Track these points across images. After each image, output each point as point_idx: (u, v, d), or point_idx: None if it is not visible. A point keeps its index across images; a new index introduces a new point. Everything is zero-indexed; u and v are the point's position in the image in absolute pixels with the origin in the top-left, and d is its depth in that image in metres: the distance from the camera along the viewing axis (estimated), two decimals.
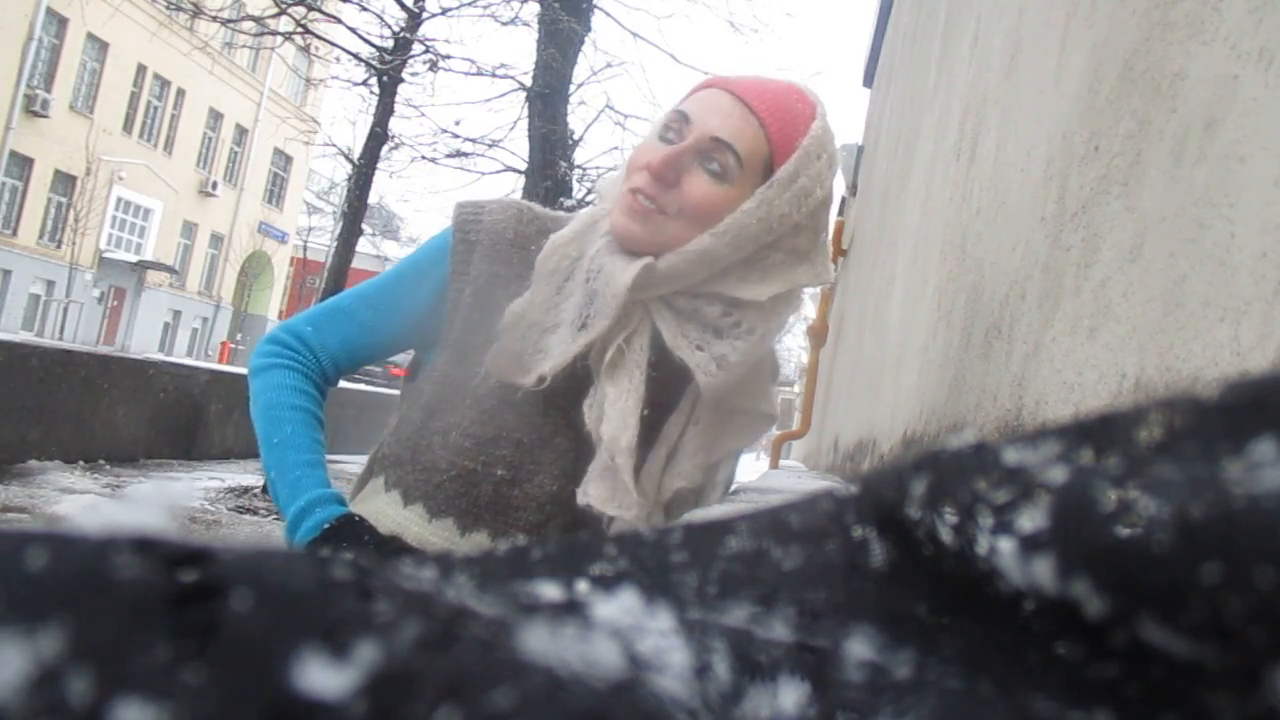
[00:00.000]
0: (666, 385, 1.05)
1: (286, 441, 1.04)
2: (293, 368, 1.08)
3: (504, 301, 1.06)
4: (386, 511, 1.07)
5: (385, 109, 8.56)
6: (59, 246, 21.04)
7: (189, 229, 25.30)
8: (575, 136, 7.84)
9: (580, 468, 1.06)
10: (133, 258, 23.14)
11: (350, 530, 0.99)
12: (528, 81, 7.76)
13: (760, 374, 1.11)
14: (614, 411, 1.01)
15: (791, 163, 1.00)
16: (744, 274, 1.03)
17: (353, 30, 8.68)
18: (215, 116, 25.13)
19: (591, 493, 1.02)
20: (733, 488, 1.28)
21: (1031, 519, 0.19)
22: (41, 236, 20.94)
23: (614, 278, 1.00)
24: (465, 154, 8.74)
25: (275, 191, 28.41)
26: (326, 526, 0.98)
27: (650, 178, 0.99)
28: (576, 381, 1.04)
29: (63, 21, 19.81)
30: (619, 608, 0.20)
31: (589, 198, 7.55)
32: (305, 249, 24.27)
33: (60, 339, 17.10)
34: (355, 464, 1.34)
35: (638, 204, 1.00)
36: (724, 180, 1.00)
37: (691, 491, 1.08)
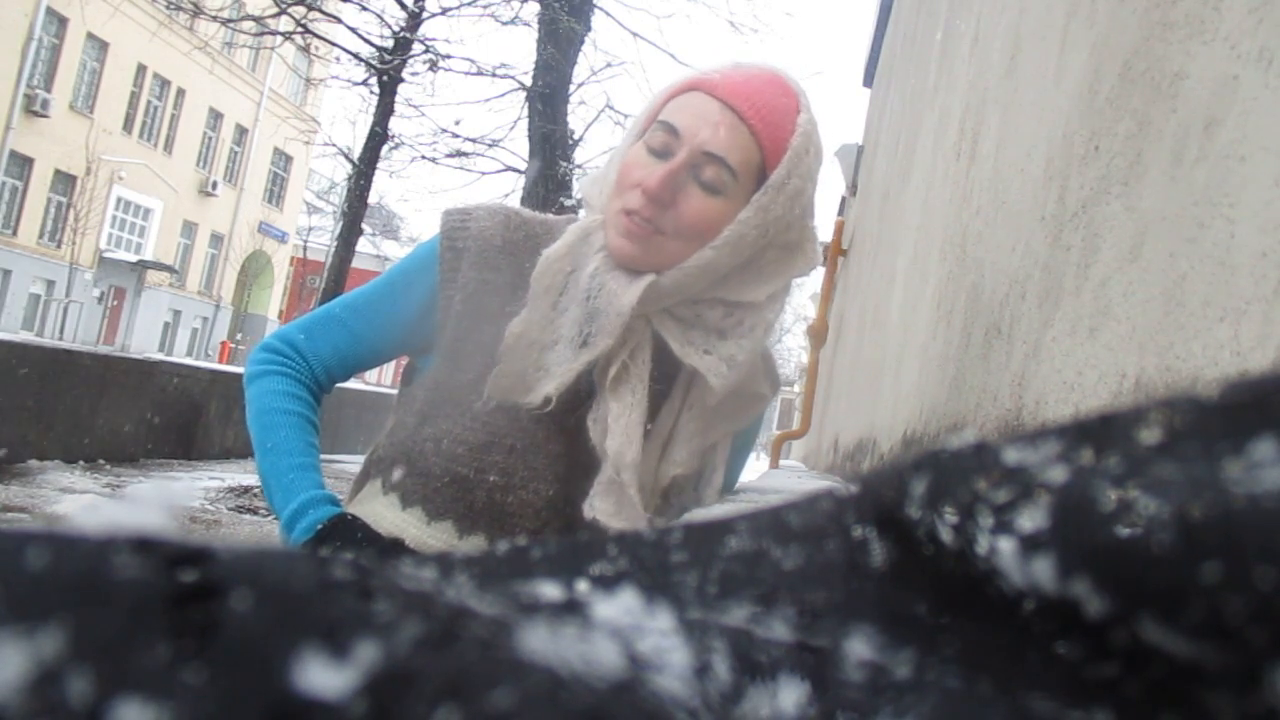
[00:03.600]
0: (658, 376, 1.06)
1: (280, 446, 1.04)
2: (286, 374, 1.09)
3: (494, 308, 1.06)
4: (385, 514, 1.07)
5: (385, 109, 8.57)
6: (59, 246, 21.05)
7: (189, 229, 25.30)
8: (575, 136, 7.84)
9: (575, 472, 1.06)
10: (133, 257, 23.14)
11: (344, 530, 0.99)
12: (528, 81, 7.76)
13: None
14: (618, 427, 1.02)
15: (784, 165, 1.00)
16: (742, 277, 1.04)
17: (353, 30, 8.69)
18: (215, 116, 25.14)
19: (598, 506, 1.02)
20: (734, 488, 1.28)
21: (1031, 519, 0.19)
22: (41, 236, 20.94)
23: (617, 297, 1.00)
24: (465, 154, 8.75)
25: (275, 191, 28.41)
26: (320, 527, 0.98)
27: (645, 200, 0.98)
28: (569, 388, 1.04)
29: (63, 21, 19.81)
30: (619, 608, 0.20)
31: None
32: (305, 249, 24.29)
33: (60, 339, 17.09)
34: (355, 464, 1.34)
35: (635, 226, 0.99)
36: (719, 193, 0.99)
37: (688, 477, 1.08)
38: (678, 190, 0.99)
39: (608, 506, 1.02)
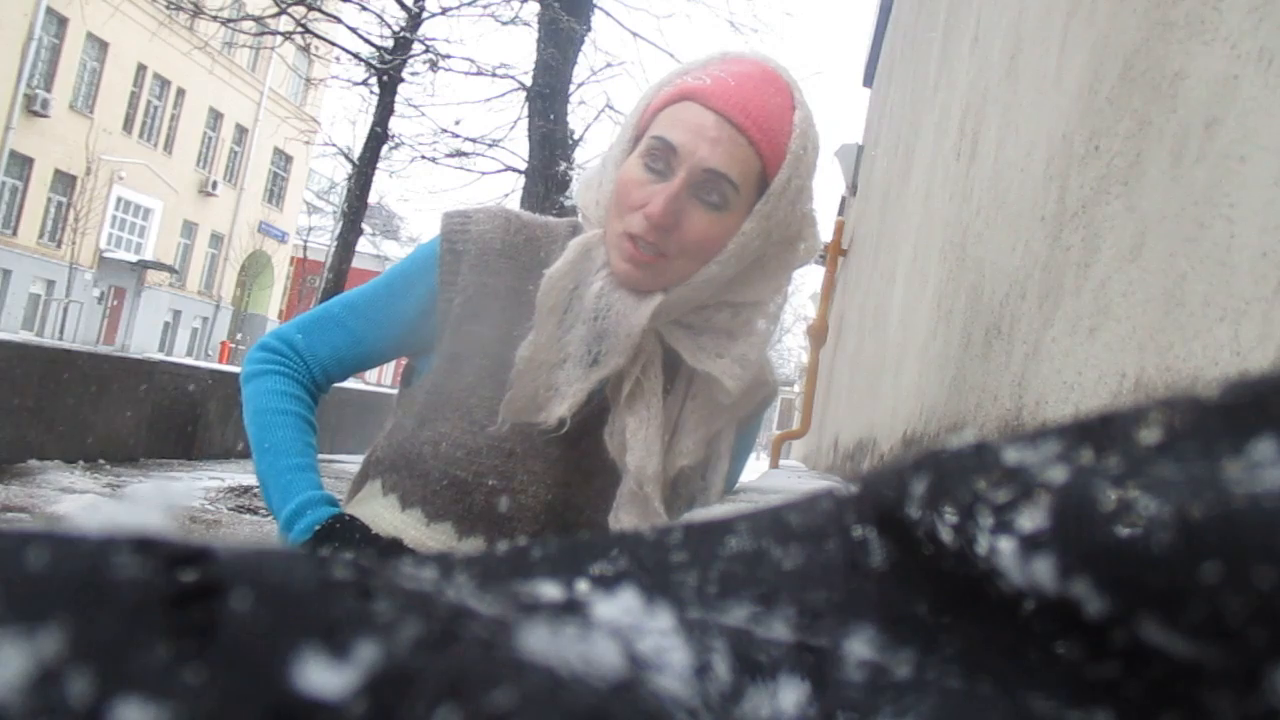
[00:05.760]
0: (664, 376, 1.06)
1: (277, 446, 1.04)
2: (283, 373, 1.08)
3: (494, 311, 1.06)
4: (385, 515, 1.07)
5: (385, 109, 8.57)
6: (59, 246, 21.05)
7: (189, 229, 25.30)
8: (575, 136, 7.84)
9: (574, 476, 1.06)
10: (133, 257, 23.14)
11: (342, 531, 0.99)
12: (528, 81, 7.77)
13: None
14: (637, 441, 1.02)
15: (784, 170, 0.99)
16: (746, 278, 1.04)
17: (353, 30, 8.70)
18: (215, 116, 25.14)
19: (623, 519, 1.02)
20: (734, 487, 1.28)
21: (1031, 519, 0.19)
22: (41, 236, 20.94)
23: (626, 318, 1.00)
24: (465, 154, 8.76)
25: (275, 191, 28.40)
26: (318, 528, 0.98)
27: (649, 225, 0.97)
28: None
29: (63, 21, 19.81)
30: (619, 607, 0.20)
31: None
32: (305, 249, 24.31)
33: (60, 339, 17.09)
34: (354, 464, 1.34)
35: (640, 253, 0.99)
36: (721, 209, 0.98)
37: (695, 467, 1.08)
38: (680, 211, 0.98)
39: (633, 519, 1.02)
